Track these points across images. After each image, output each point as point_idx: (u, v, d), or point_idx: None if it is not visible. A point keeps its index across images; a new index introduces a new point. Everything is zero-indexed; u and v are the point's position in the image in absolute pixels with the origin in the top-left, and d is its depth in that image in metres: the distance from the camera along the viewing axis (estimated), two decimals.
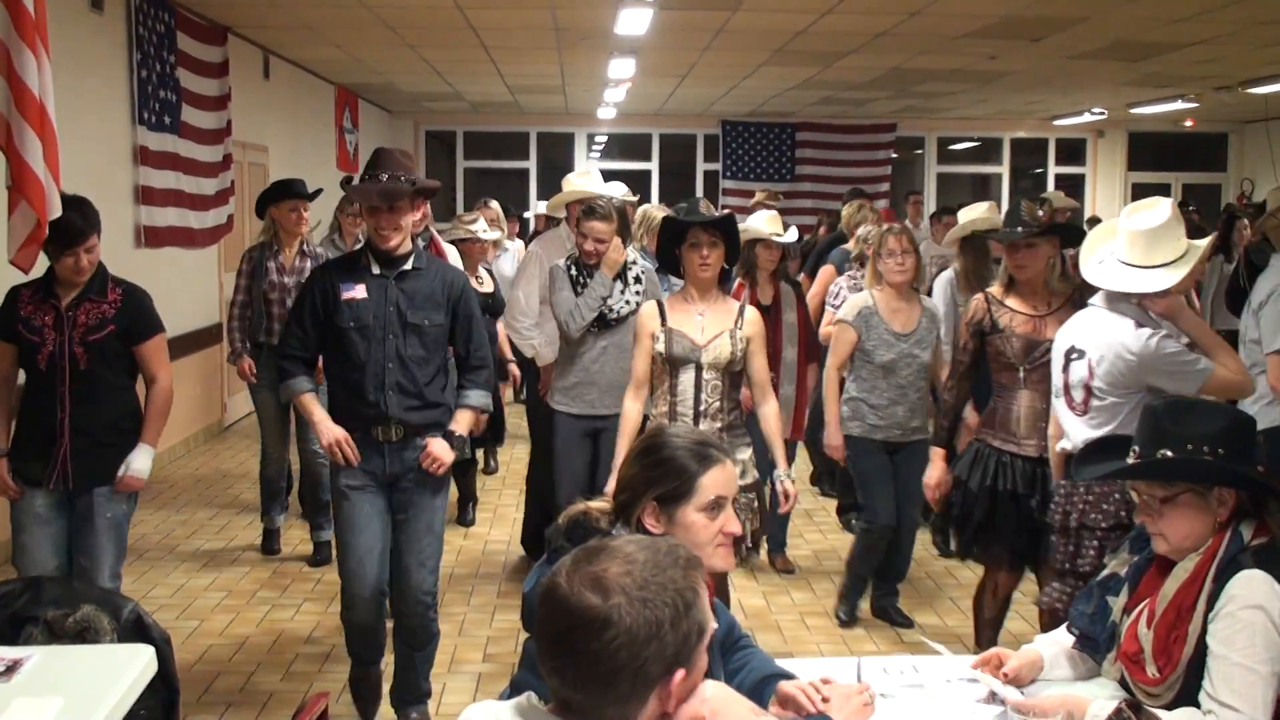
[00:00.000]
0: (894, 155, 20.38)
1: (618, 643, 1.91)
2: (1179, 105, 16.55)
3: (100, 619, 3.62)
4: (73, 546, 4.97)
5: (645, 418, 5.22)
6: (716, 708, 2.09)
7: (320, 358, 5.00)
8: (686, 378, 5.06)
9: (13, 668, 3.20)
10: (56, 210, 4.95)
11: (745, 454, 5.13)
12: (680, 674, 1.99)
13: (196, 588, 6.90)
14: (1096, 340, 4.40)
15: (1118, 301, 4.37)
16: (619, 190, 8.19)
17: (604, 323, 5.95)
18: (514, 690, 2.56)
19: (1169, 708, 2.86)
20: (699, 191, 20.01)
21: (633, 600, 1.93)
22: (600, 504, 2.87)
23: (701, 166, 20.47)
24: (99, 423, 4.92)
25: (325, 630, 6.22)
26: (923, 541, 7.00)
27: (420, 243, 5.64)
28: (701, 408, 5.06)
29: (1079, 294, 4.97)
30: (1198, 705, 2.81)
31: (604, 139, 21.25)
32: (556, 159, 19.94)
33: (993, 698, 3.12)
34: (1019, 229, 5.13)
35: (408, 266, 4.85)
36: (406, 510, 4.91)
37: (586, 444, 6.02)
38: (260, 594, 6.79)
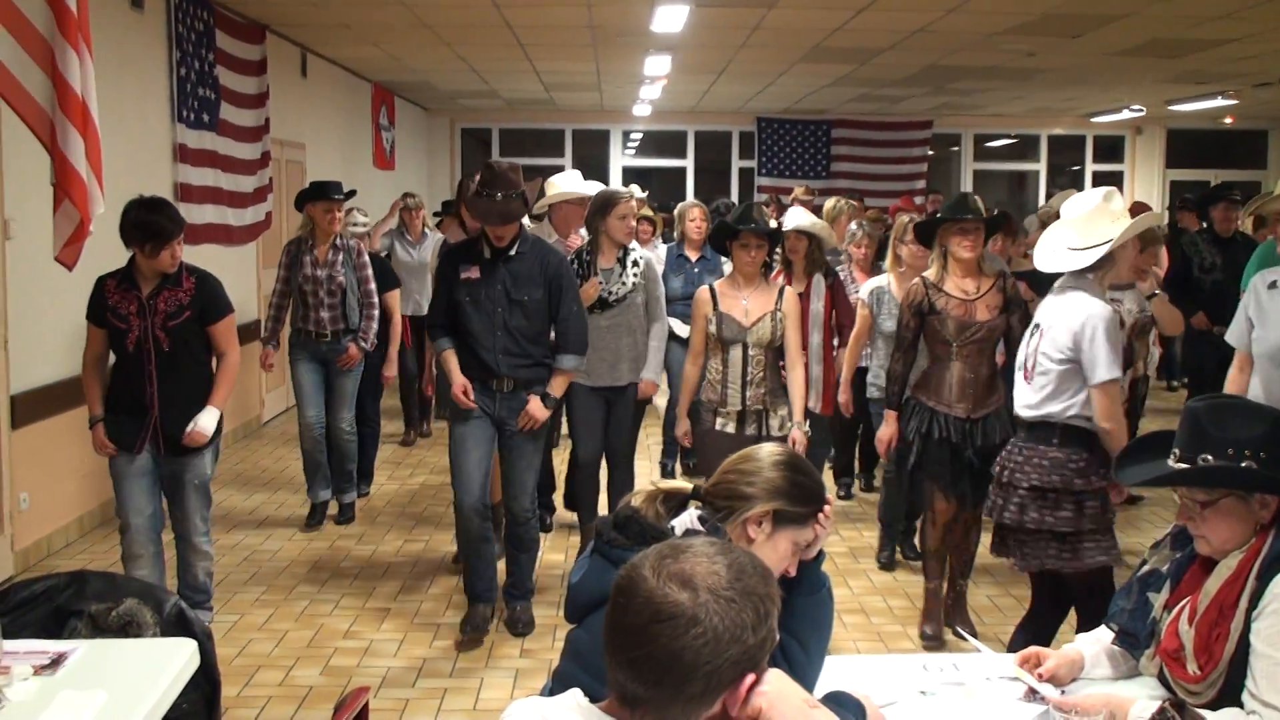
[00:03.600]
0: (930, 152, 20.31)
1: (702, 641, 1.90)
2: (1218, 102, 16.44)
3: (143, 613, 3.65)
4: (169, 501, 5.80)
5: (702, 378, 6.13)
6: (773, 699, 2.08)
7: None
8: (735, 354, 5.97)
9: (58, 661, 3.23)
10: (99, 208, 5.00)
11: (784, 410, 6.04)
12: (750, 679, 1.99)
13: (236, 582, 6.94)
14: (1052, 313, 4.82)
15: (1078, 280, 4.79)
16: (594, 187, 8.39)
17: (604, 304, 6.80)
18: (557, 682, 2.56)
19: (1210, 706, 2.84)
20: (734, 189, 20.02)
21: (720, 601, 1.92)
22: (665, 487, 2.85)
23: (737, 164, 20.47)
24: (182, 395, 5.62)
25: (364, 624, 6.26)
26: None
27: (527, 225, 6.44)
28: (748, 378, 5.96)
29: (1003, 279, 5.88)
30: (1239, 704, 2.80)
31: (639, 136, 21.26)
32: (591, 156, 19.96)
33: (1032, 695, 3.11)
34: (969, 215, 5.74)
35: (513, 252, 5.86)
36: (511, 451, 6.01)
37: (602, 408, 6.92)
38: (299, 589, 6.83)
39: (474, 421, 5.90)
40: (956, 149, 21.00)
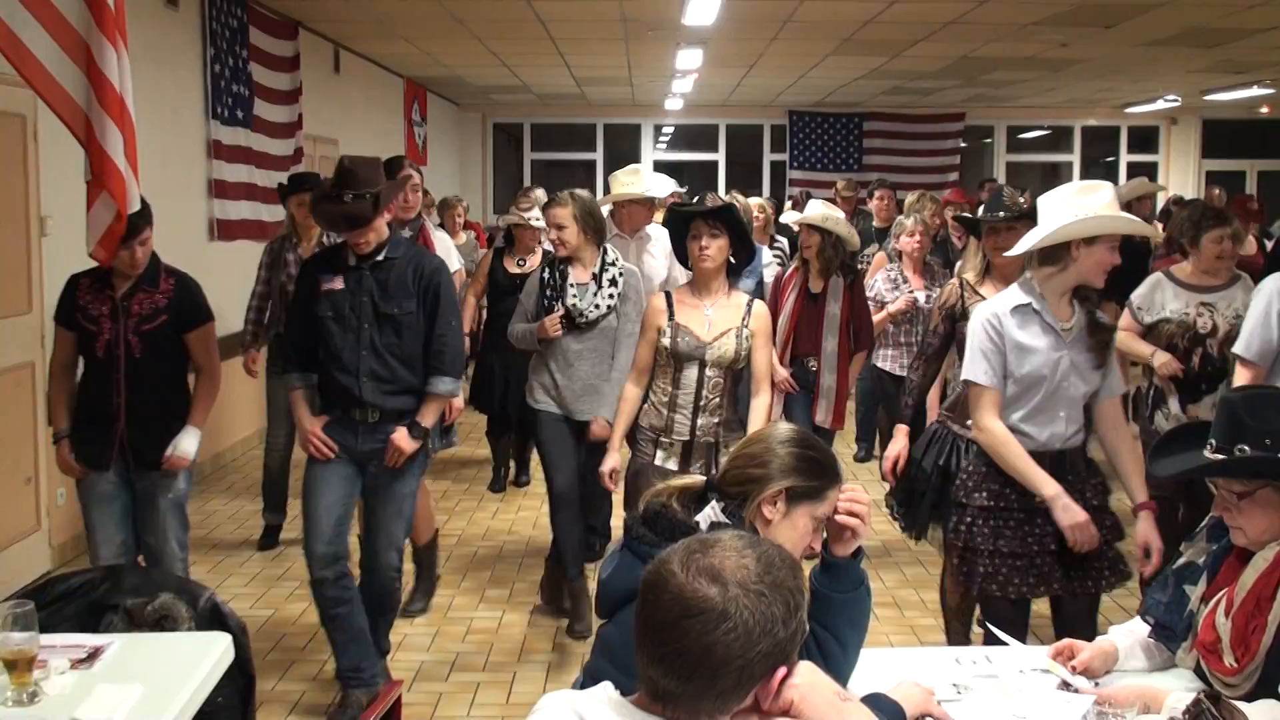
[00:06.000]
0: (963, 144, 20.23)
1: (732, 636, 1.89)
2: (1254, 91, 16.29)
3: (178, 607, 3.67)
4: (139, 527, 5.19)
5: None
6: (805, 692, 2.07)
7: None
8: (690, 373, 5.12)
9: (94, 655, 3.25)
10: (136, 203, 5.02)
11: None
12: (782, 672, 1.98)
13: (271, 576, 6.97)
14: None
15: (1023, 278, 4.32)
16: (666, 185, 8.22)
17: (574, 325, 5.91)
18: (588, 678, 2.56)
19: (1247, 698, 2.82)
20: (765, 182, 20.02)
21: (749, 595, 1.92)
22: (680, 483, 2.87)
23: (768, 157, 20.44)
24: (153, 407, 5.10)
25: (396, 619, 6.27)
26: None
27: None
28: (701, 403, 5.13)
29: None
30: (1276, 696, 2.78)
31: (671, 130, 21.24)
32: (623, 150, 19.95)
33: (1066, 687, 3.10)
34: (1001, 213, 5.04)
35: (381, 257, 5.00)
36: (377, 494, 5.13)
37: (572, 437, 5.99)
38: None
39: (331, 461, 5.05)
40: (989, 141, 20.91)
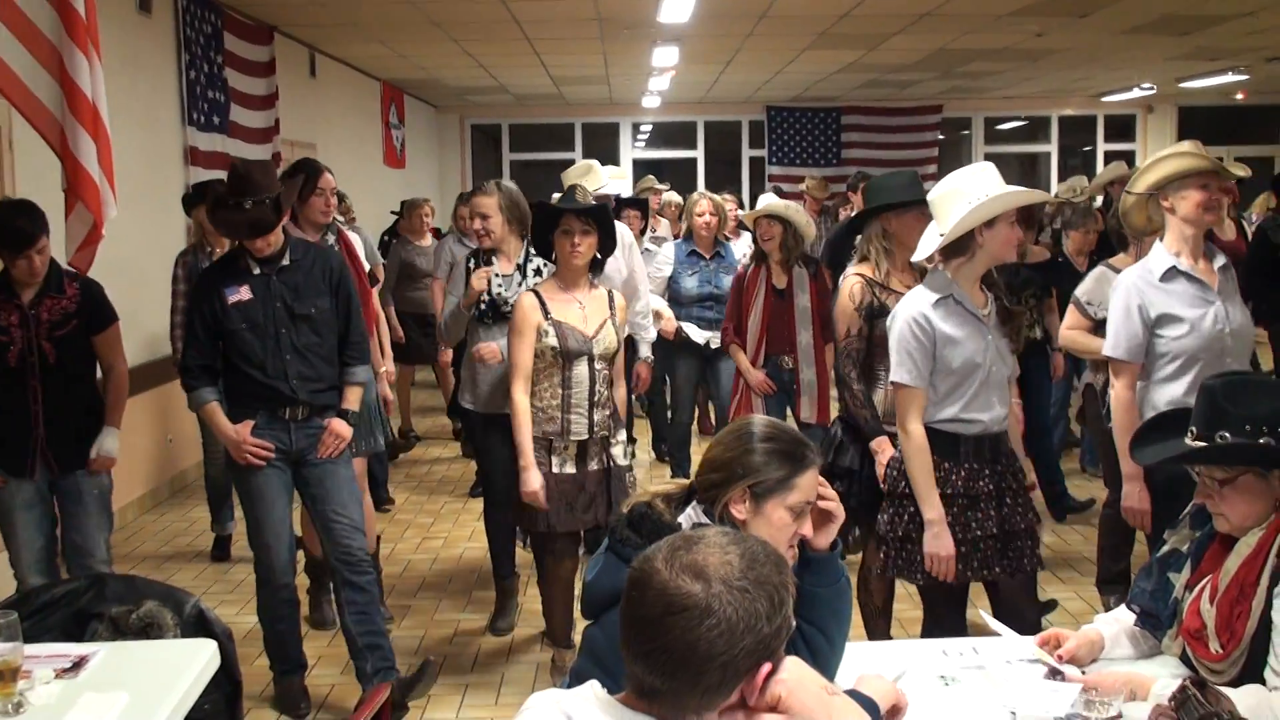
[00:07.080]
0: (941, 137, 20.27)
1: (716, 632, 1.89)
2: (1230, 78, 16.34)
3: (163, 615, 3.66)
4: (64, 527, 5.21)
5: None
6: (792, 687, 2.07)
7: None
8: (581, 370, 5.13)
9: (79, 664, 3.24)
10: (112, 212, 5.01)
11: (622, 435, 5.34)
12: (767, 668, 1.98)
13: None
14: None
15: (931, 271, 4.31)
16: (623, 181, 8.14)
17: (499, 316, 5.76)
18: (574, 679, 2.56)
19: (1233, 684, 2.83)
20: (744, 179, 20.03)
21: (733, 591, 1.91)
22: (665, 488, 2.87)
23: (747, 153, 20.45)
24: (71, 410, 5.12)
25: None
26: None
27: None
28: (595, 399, 5.16)
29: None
30: (1262, 681, 2.79)
31: (649, 128, 21.25)
32: (602, 149, 19.93)
33: (1053, 676, 3.11)
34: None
35: (285, 261, 4.97)
36: (322, 483, 5.09)
37: (506, 438, 5.50)
38: None
39: (268, 468, 4.99)
40: (967, 133, 20.95)
